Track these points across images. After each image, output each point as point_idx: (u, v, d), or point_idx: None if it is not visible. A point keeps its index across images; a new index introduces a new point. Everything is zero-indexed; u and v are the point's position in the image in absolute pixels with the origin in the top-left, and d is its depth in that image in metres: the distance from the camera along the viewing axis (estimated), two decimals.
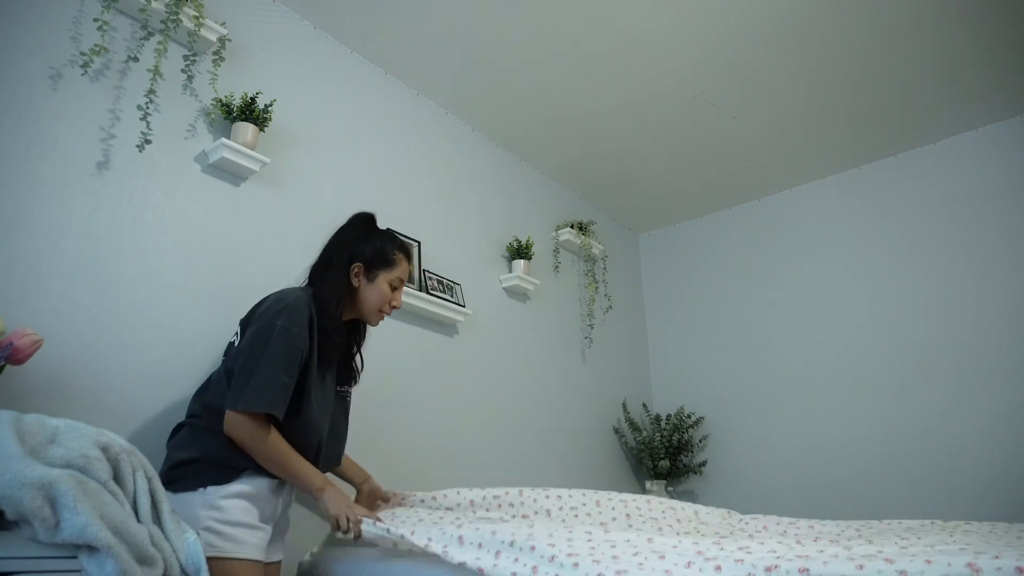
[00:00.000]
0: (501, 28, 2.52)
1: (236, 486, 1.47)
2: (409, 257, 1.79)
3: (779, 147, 3.26)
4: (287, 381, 1.48)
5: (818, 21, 2.46)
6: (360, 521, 1.51)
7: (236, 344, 1.60)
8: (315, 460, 1.59)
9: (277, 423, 1.50)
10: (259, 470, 1.49)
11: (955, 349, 2.93)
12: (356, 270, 1.70)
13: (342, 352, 1.70)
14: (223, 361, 1.62)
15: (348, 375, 1.77)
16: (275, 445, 1.48)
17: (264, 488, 1.52)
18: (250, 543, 1.45)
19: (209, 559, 1.34)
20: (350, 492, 1.88)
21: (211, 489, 1.45)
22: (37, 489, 1.01)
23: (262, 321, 1.53)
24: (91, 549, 1.04)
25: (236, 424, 1.45)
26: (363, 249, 1.72)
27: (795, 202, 3.58)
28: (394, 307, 1.74)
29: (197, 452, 1.48)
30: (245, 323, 1.63)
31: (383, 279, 1.71)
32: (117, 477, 1.18)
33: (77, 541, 1.03)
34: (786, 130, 3.12)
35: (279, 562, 1.65)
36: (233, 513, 1.45)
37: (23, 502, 1.00)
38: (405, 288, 2.44)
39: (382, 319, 1.75)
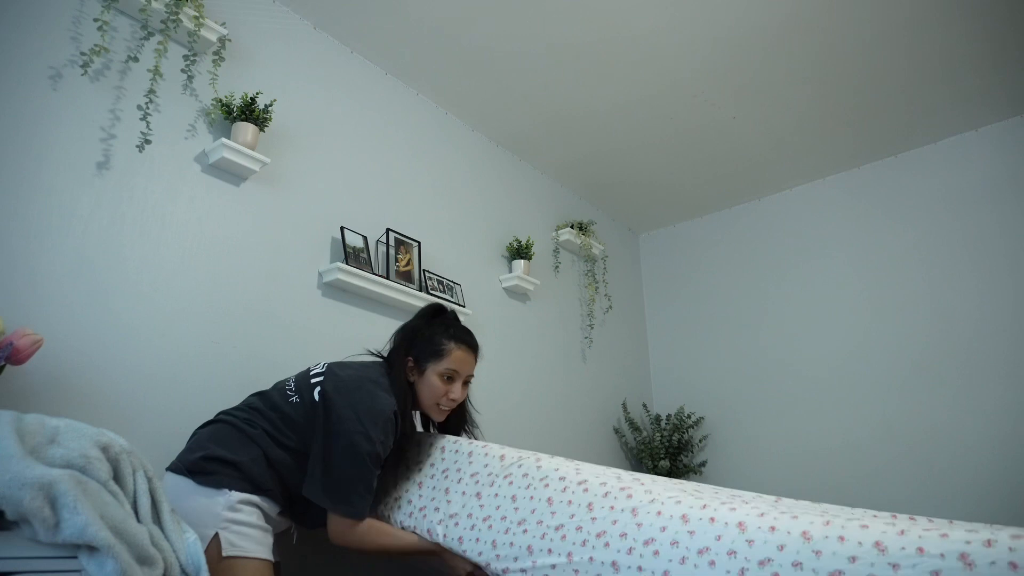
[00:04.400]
0: (501, 28, 2.52)
1: (255, 497, 1.50)
2: (467, 345, 1.71)
3: (779, 147, 3.26)
4: (372, 483, 1.53)
5: (818, 21, 2.46)
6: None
7: (295, 401, 1.60)
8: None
9: None
10: (277, 495, 1.54)
11: (955, 348, 2.93)
12: (409, 363, 1.69)
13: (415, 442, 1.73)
14: (289, 397, 1.61)
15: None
16: (376, 534, 1.55)
17: (274, 510, 1.56)
18: (266, 544, 1.49)
19: (231, 558, 1.40)
20: None
21: (235, 493, 1.47)
22: (37, 489, 1.01)
23: (343, 419, 1.52)
24: (91, 549, 1.04)
25: (336, 527, 1.52)
26: (416, 340, 1.70)
27: (795, 202, 3.58)
28: (453, 399, 1.68)
29: (238, 458, 1.50)
30: (306, 385, 1.62)
31: (432, 371, 1.66)
32: (117, 477, 1.18)
33: (77, 541, 1.03)
34: (786, 130, 3.12)
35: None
36: (251, 518, 1.48)
37: (23, 502, 1.00)
38: (405, 287, 2.44)
39: (447, 412, 1.72)
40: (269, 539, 1.51)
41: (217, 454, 1.49)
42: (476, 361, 1.73)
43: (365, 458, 1.49)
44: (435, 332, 1.70)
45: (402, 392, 1.63)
